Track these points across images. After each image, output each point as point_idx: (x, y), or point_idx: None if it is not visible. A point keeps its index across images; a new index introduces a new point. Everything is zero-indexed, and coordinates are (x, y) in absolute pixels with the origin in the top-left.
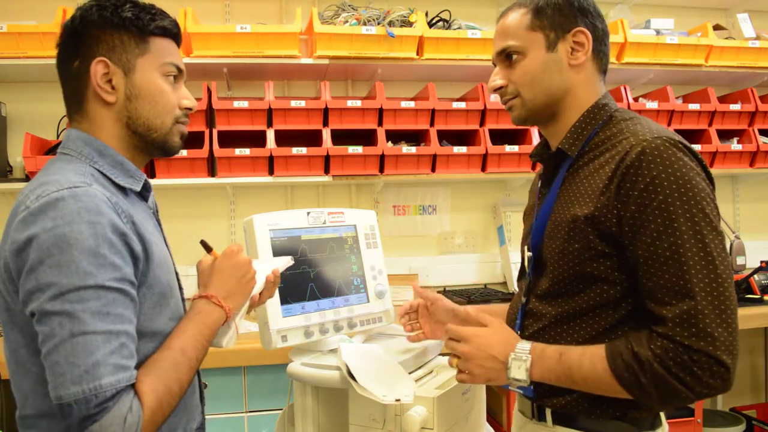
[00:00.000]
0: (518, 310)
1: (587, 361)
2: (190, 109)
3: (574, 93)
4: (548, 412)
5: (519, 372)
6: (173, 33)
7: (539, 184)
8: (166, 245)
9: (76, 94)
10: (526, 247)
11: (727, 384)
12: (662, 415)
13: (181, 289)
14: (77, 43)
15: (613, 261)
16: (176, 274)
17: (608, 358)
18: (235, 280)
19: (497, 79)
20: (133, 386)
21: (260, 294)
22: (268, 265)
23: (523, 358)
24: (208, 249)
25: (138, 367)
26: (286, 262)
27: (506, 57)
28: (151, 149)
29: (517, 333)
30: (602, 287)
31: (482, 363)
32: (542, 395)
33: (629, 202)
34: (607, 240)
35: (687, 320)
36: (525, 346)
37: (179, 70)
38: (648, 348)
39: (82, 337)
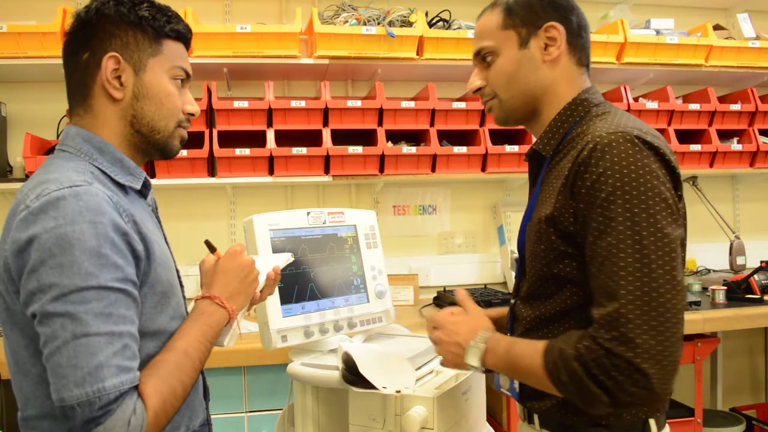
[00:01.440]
0: (510, 311)
1: (528, 355)
2: (192, 114)
3: (553, 90)
4: (535, 417)
5: (474, 359)
6: (186, 38)
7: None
8: (167, 243)
9: (81, 86)
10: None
11: (651, 394)
12: (652, 421)
13: (182, 287)
14: (89, 35)
15: (577, 261)
16: (177, 272)
17: (544, 352)
18: (239, 281)
19: (476, 80)
20: (136, 388)
21: (261, 291)
22: (268, 262)
23: (479, 346)
24: (212, 249)
25: (140, 366)
26: (287, 258)
27: (482, 58)
28: (151, 150)
29: (507, 335)
30: (571, 290)
31: (449, 349)
32: (526, 398)
33: (580, 200)
34: (568, 240)
35: (610, 323)
36: (485, 334)
37: (187, 74)
38: (573, 346)
39: (85, 338)
